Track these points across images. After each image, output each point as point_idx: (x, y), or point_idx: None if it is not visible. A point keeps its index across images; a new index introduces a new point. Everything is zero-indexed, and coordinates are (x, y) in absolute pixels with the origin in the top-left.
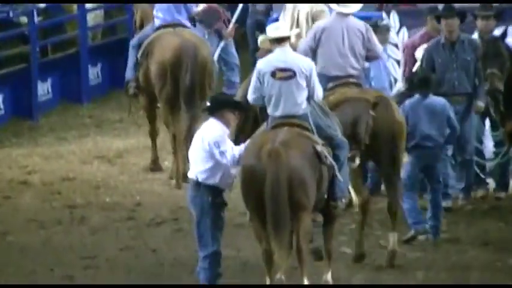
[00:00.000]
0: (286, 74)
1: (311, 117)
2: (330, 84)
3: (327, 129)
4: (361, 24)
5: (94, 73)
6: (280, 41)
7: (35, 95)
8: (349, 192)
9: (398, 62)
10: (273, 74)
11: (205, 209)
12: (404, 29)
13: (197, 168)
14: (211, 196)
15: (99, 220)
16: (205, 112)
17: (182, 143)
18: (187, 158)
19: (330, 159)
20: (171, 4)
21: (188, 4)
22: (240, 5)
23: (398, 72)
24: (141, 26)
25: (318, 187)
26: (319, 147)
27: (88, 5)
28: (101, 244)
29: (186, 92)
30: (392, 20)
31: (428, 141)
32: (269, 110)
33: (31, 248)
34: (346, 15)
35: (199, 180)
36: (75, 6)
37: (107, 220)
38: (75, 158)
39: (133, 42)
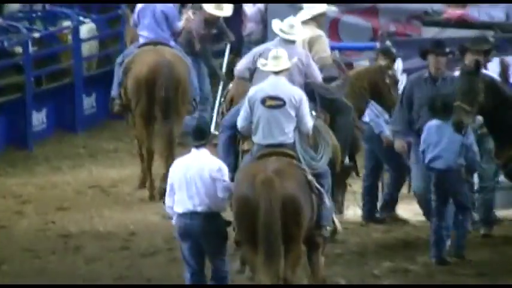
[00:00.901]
0: (275, 103)
1: (297, 146)
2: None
3: (311, 162)
4: (300, 51)
5: (89, 103)
6: (277, 72)
7: (30, 125)
8: (333, 221)
9: None
10: (263, 101)
11: (218, 236)
12: (399, 60)
13: (213, 198)
14: (210, 222)
15: (93, 250)
16: (194, 141)
17: (161, 158)
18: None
19: (319, 188)
20: (153, 22)
21: (172, 19)
22: (228, 47)
23: None
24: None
25: (310, 215)
26: (309, 176)
27: (83, 35)
28: (95, 274)
29: (160, 108)
30: None
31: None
32: (255, 138)
33: (26, 277)
34: (289, 41)
35: (200, 210)
36: (69, 36)
37: (102, 250)
38: (70, 188)
39: (118, 59)
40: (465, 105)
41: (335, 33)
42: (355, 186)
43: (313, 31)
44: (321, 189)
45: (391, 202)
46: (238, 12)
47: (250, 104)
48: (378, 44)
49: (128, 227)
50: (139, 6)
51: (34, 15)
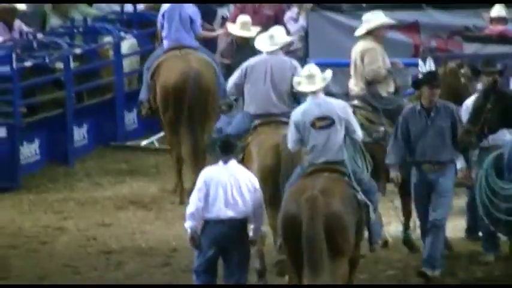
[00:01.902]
0: (325, 123)
1: (348, 162)
2: (254, 123)
3: (359, 173)
4: (286, 62)
5: (130, 118)
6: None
7: (71, 141)
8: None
9: None
10: (313, 124)
11: (246, 245)
12: None
13: (249, 207)
14: (244, 229)
15: (134, 266)
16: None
17: (189, 163)
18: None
19: (368, 205)
20: (179, 24)
21: (196, 24)
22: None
23: None
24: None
25: (358, 232)
26: (359, 196)
27: (124, 51)
28: None
29: (187, 117)
30: (429, 66)
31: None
32: (309, 158)
33: None
34: (273, 53)
35: (238, 217)
36: (110, 52)
37: (143, 266)
38: (111, 204)
39: (146, 64)
40: (469, 124)
41: None
42: (397, 201)
43: (366, 44)
44: (370, 206)
45: None
46: None
47: (297, 127)
48: (419, 60)
49: (170, 243)
50: (164, 7)
51: (75, 31)
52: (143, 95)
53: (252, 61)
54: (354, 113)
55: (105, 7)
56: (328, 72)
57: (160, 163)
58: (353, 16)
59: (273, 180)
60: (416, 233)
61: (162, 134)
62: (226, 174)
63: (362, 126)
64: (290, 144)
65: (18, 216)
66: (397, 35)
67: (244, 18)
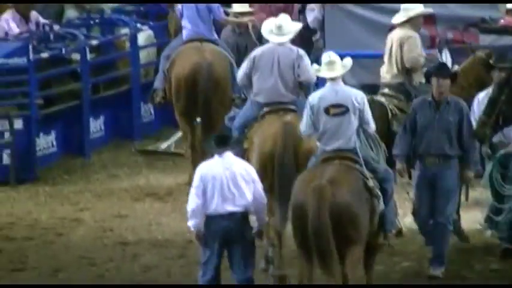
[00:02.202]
0: (339, 110)
1: (360, 150)
2: (262, 111)
3: (373, 163)
4: (293, 52)
5: (146, 110)
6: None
7: (87, 132)
8: (398, 223)
9: None
10: (327, 111)
11: (250, 238)
12: (456, 67)
13: (248, 199)
14: (246, 222)
15: (151, 258)
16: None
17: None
18: None
19: (379, 193)
20: (196, 14)
21: (216, 11)
22: None
23: None
24: (176, 35)
25: (371, 220)
26: (370, 183)
27: (140, 42)
28: (152, 281)
29: (199, 109)
30: (444, 57)
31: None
32: (321, 144)
33: (83, 285)
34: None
35: (237, 211)
36: (127, 43)
37: (159, 258)
38: (127, 195)
39: (164, 53)
40: (484, 116)
41: None
42: (412, 193)
43: (404, 32)
44: (379, 193)
45: None
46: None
47: (313, 111)
48: (436, 52)
49: (186, 235)
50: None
51: (92, 22)
52: (158, 84)
53: (259, 50)
54: (386, 101)
55: None
56: (348, 60)
57: (175, 156)
58: (369, 8)
59: (272, 168)
60: (405, 221)
61: (179, 134)
62: (222, 168)
63: (393, 115)
64: (303, 128)
65: (34, 207)
66: None
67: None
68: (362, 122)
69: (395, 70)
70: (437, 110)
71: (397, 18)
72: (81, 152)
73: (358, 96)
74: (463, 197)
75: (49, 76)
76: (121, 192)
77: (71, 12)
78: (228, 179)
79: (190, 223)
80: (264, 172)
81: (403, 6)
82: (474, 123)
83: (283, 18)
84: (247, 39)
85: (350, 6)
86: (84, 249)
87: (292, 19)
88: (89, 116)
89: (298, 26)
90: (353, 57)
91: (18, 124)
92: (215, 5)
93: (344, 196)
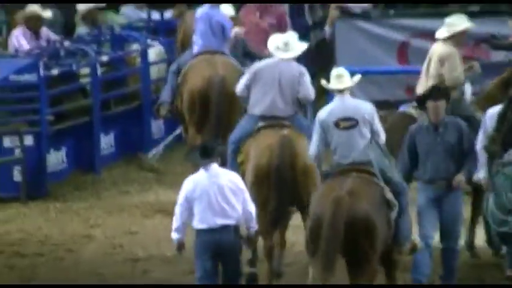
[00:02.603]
0: (349, 124)
1: (375, 162)
2: (257, 125)
3: (388, 173)
4: (295, 68)
5: (157, 126)
6: (341, 90)
7: (98, 148)
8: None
9: None
10: (337, 124)
11: (239, 249)
12: (467, 84)
13: (237, 211)
14: (236, 235)
15: (161, 274)
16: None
17: None
18: None
19: (397, 206)
20: (209, 29)
21: (228, 30)
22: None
23: None
24: (182, 47)
25: (387, 234)
26: (389, 195)
27: (151, 58)
28: None
29: (212, 122)
30: None
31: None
32: (335, 158)
33: None
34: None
35: (229, 224)
36: (137, 59)
37: (169, 274)
38: (138, 212)
39: (172, 67)
40: (494, 132)
41: (404, 57)
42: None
43: (445, 48)
44: (396, 205)
45: None
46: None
47: (323, 127)
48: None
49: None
50: (198, 12)
51: (102, 38)
52: (165, 97)
53: (262, 64)
54: (416, 114)
55: (133, 15)
56: (357, 76)
57: (186, 171)
58: (380, 24)
59: (267, 181)
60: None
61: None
62: (208, 182)
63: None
64: (311, 150)
65: (45, 224)
66: (424, 42)
67: None
68: (372, 134)
69: (429, 84)
70: (437, 134)
71: (440, 33)
72: (92, 168)
73: (368, 108)
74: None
75: (60, 93)
76: (131, 208)
77: (81, 29)
78: (216, 193)
79: (174, 236)
80: (260, 184)
81: (447, 21)
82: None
83: (290, 35)
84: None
85: (361, 23)
86: (94, 265)
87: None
88: (99, 132)
89: (304, 45)
90: (364, 73)
91: (29, 140)
92: (228, 25)
93: (363, 208)
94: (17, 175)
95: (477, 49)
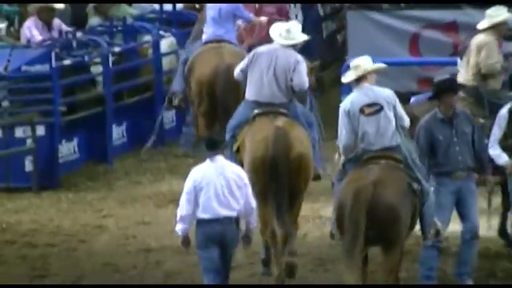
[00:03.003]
0: (373, 109)
1: (403, 146)
2: (253, 113)
3: (413, 157)
4: (292, 56)
5: (169, 117)
6: (358, 80)
7: (110, 139)
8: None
9: None
10: (362, 111)
11: (237, 241)
12: None
13: (240, 204)
14: (237, 226)
15: (174, 264)
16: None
17: None
18: None
19: (424, 196)
20: (218, 18)
21: (240, 13)
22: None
23: None
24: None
25: (412, 221)
26: (415, 185)
27: (163, 50)
28: None
29: (221, 110)
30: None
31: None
32: (363, 146)
33: None
34: (285, 46)
35: (233, 215)
36: (150, 50)
37: (182, 264)
38: (150, 202)
39: (182, 57)
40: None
41: (415, 48)
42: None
43: (484, 38)
44: (425, 192)
45: None
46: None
47: (349, 116)
48: (458, 59)
49: None
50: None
51: (114, 29)
52: (176, 87)
53: (260, 49)
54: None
55: (145, 6)
56: (378, 65)
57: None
58: (392, 16)
59: (263, 173)
60: None
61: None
62: (215, 174)
63: None
64: (344, 138)
65: (57, 214)
66: (436, 34)
67: None
68: (396, 117)
69: (470, 74)
70: (452, 126)
71: (481, 24)
72: (104, 159)
73: (389, 93)
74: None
75: (72, 83)
76: (144, 198)
77: (94, 20)
78: (223, 185)
79: (178, 227)
80: (256, 177)
81: (488, 12)
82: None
83: (294, 24)
84: None
85: (373, 14)
86: (107, 256)
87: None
88: (111, 123)
89: (305, 37)
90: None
91: (41, 131)
92: (237, 8)
93: (387, 197)
94: (28, 165)
95: None
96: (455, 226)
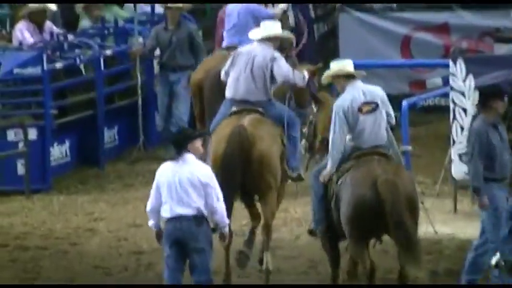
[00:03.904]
0: (370, 107)
1: (389, 145)
2: (230, 111)
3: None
4: (269, 53)
5: (160, 119)
6: (349, 77)
7: (102, 142)
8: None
9: (464, 110)
10: (360, 110)
11: (210, 241)
12: (470, 77)
13: (197, 202)
14: (199, 225)
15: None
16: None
17: None
18: None
19: None
20: (238, 23)
21: (258, 12)
22: None
23: (464, 121)
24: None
25: None
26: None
27: (155, 53)
28: None
29: (207, 113)
30: (459, 67)
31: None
32: (354, 143)
33: None
34: (262, 42)
35: (189, 214)
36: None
37: None
38: (142, 205)
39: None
40: None
41: (407, 50)
42: (427, 203)
43: None
44: None
45: None
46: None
47: (347, 115)
48: (449, 61)
49: None
50: (229, 7)
51: (106, 31)
52: None
53: (240, 49)
54: None
55: (137, 8)
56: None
57: None
58: (384, 17)
59: (221, 171)
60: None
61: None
62: (171, 173)
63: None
64: (337, 136)
65: (48, 217)
66: (427, 36)
67: None
68: (387, 115)
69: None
70: (498, 131)
71: None
72: (96, 162)
73: (381, 91)
74: None
75: (63, 86)
76: (136, 201)
77: (85, 22)
78: (176, 184)
79: (150, 223)
80: (216, 174)
81: None
82: None
83: (274, 23)
84: (178, 35)
85: (364, 16)
86: (98, 258)
87: None
88: (103, 126)
89: (280, 31)
90: (367, 66)
91: (33, 134)
92: (256, 8)
93: (411, 187)
94: (20, 168)
95: (481, 42)
96: (450, 229)
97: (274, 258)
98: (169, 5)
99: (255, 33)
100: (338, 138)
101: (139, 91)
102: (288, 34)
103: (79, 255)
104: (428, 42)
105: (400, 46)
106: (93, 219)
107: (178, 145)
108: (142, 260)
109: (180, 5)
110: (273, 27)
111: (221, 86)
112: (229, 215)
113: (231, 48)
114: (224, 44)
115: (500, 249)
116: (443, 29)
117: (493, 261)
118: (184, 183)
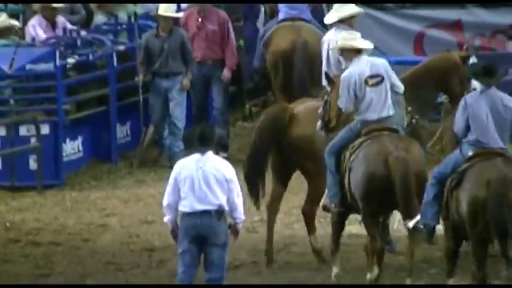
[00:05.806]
0: (376, 80)
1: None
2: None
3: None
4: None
5: None
6: (357, 51)
7: (114, 138)
8: None
9: None
10: (366, 82)
11: (228, 236)
12: None
13: (220, 198)
14: (220, 220)
15: (177, 263)
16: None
17: None
18: None
19: None
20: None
21: None
22: None
23: None
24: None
25: None
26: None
27: None
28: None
29: (297, 83)
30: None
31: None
32: (362, 115)
33: None
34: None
35: (222, 210)
36: None
37: None
38: (154, 201)
39: (260, 34)
40: None
41: (420, 47)
42: None
43: None
44: None
45: None
46: None
47: (355, 86)
48: None
49: None
50: None
51: (119, 28)
52: (256, 63)
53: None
54: None
55: (150, 5)
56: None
57: None
58: (397, 15)
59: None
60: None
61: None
62: (195, 168)
63: None
64: (344, 103)
65: (61, 213)
66: (441, 33)
67: None
68: (393, 86)
69: None
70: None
71: None
72: (108, 158)
73: (384, 63)
74: None
75: (76, 82)
76: (148, 197)
77: (98, 18)
78: (200, 179)
79: (166, 218)
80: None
81: None
82: None
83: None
84: (170, 42)
85: (377, 13)
86: (110, 255)
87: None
88: (116, 122)
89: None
90: None
91: (45, 129)
92: None
93: (420, 165)
94: (33, 164)
95: (494, 40)
96: None
97: (287, 255)
98: (162, 13)
99: (329, 18)
100: (344, 102)
101: (140, 90)
102: (358, 8)
103: (91, 251)
104: (441, 40)
105: (413, 43)
106: (105, 215)
107: (203, 141)
108: (154, 256)
109: (175, 14)
110: (344, 8)
111: (310, 57)
112: None
113: (291, 19)
114: (282, 15)
115: (422, 213)
116: (456, 26)
117: (411, 224)
118: (210, 179)
